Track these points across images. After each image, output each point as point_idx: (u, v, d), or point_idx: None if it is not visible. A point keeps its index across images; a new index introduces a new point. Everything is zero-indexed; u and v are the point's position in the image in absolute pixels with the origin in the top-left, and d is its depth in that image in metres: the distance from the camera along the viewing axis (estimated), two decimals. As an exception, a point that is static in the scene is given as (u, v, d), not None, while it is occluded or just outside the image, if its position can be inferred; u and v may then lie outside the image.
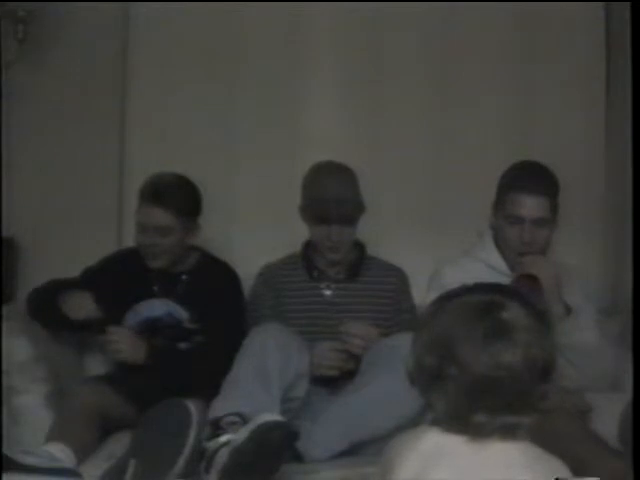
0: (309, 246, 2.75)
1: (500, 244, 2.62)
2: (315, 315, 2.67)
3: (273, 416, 2.04)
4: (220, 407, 2.18)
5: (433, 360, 1.26)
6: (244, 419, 2.08)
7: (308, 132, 3.09)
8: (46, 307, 2.59)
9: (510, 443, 1.24)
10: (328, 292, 2.72)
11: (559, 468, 1.27)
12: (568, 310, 2.48)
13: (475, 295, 1.29)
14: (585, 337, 2.45)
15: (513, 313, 1.25)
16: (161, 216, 2.58)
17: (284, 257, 2.81)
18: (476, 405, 1.23)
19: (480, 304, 1.27)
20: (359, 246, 2.75)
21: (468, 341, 1.23)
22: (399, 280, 2.77)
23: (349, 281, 2.72)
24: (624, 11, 2.58)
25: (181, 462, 2.04)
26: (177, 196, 2.60)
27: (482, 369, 1.21)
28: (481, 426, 1.23)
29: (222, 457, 2.02)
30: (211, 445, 2.06)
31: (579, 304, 2.52)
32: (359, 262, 2.74)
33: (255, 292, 2.76)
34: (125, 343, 2.52)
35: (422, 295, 2.70)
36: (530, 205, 2.51)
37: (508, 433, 1.24)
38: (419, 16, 3.08)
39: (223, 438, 2.06)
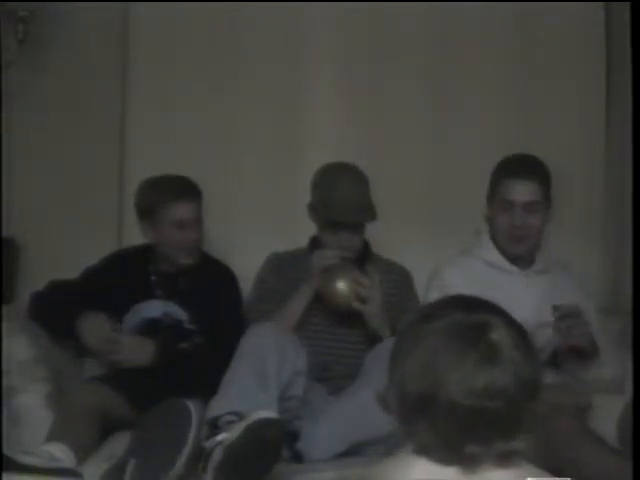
0: (316, 242, 2.75)
1: (495, 235, 2.62)
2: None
3: (267, 413, 2.04)
4: (218, 406, 2.18)
5: (419, 388, 1.15)
6: (241, 418, 2.08)
7: (308, 132, 3.08)
8: (49, 313, 2.59)
9: (504, 469, 1.16)
10: None
11: None
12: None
13: (457, 314, 1.19)
14: None
15: (500, 333, 1.17)
16: (197, 209, 2.67)
17: (292, 250, 2.81)
18: (468, 435, 1.14)
19: (467, 326, 1.18)
20: (364, 244, 2.75)
21: (459, 369, 1.14)
22: (403, 278, 2.77)
23: None
24: (624, 11, 2.58)
25: (180, 462, 2.03)
26: (198, 188, 2.68)
27: (475, 398, 1.13)
28: (475, 457, 1.15)
29: (217, 455, 2.02)
30: (208, 444, 2.06)
31: (579, 305, 2.52)
32: (364, 259, 2.73)
33: (261, 276, 2.76)
34: (129, 350, 2.52)
35: (422, 295, 2.71)
36: (520, 189, 2.53)
37: (503, 460, 1.16)
38: (419, 16, 3.08)
39: (220, 437, 2.05)
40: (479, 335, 1.17)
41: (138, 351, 2.53)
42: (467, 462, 1.16)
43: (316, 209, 2.68)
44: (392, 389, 1.20)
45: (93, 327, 2.52)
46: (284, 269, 2.73)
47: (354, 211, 2.61)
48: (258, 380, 2.22)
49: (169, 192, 2.63)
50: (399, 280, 2.75)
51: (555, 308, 2.42)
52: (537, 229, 2.59)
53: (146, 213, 2.65)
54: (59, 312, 2.56)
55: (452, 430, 1.15)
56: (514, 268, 2.62)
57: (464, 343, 1.16)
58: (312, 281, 2.60)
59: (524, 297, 2.51)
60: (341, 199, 2.60)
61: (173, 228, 2.63)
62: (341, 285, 2.56)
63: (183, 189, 2.65)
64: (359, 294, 2.56)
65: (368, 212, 2.64)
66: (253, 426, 2.01)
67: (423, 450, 1.18)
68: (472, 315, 1.19)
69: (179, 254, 2.66)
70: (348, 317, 2.62)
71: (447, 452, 1.16)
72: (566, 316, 2.40)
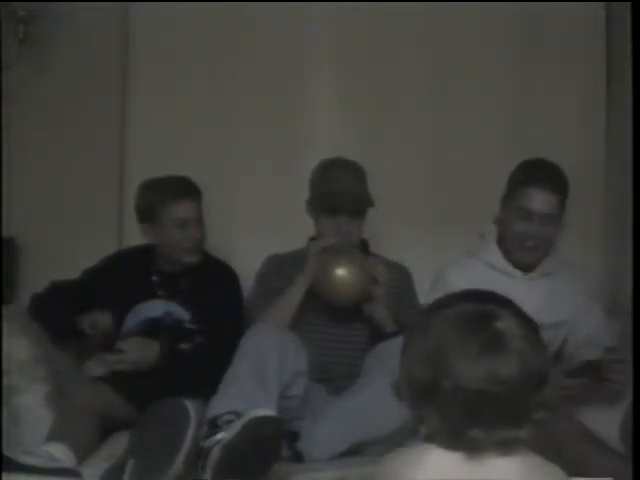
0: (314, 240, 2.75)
1: (504, 240, 2.61)
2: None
3: (264, 411, 2.04)
4: (217, 406, 2.18)
5: (426, 374, 1.20)
6: (240, 417, 2.08)
7: (308, 132, 3.08)
8: (50, 314, 2.59)
9: (508, 457, 1.19)
10: None
11: (559, 477, 1.25)
12: None
13: (466, 304, 1.24)
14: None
15: (507, 323, 1.20)
16: (197, 208, 2.66)
17: (291, 251, 2.80)
18: (472, 420, 1.18)
19: (474, 315, 1.22)
20: (363, 243, 2.75)
21: (464, 354, 1.18)
22: (403, 277, 2.77)
23: None
24: (624, 11, 2.59)
25: (179, 462, 2.03)
26: (198, 187, 2.69)
27: (479, 383, 1.17)
28: (478, 442, 1.18)
29: (215, 453, 2.02)
30: (207, 443, 2.07)
31: (585, 306, 2.53)
32: None
33: (262, 273, 2.76)
34: (134, 352, 2.53)
35: (424, 296, 2.70)
36: (542, 200, 2.52)
37: (506, 447, 1.19)
38: (419, 16, 3.08)
39: (219, 436, 2.06)
40: (485, 324, 1.21)
41: (143, 352, 2.52)
42: (470, 447, 1.19)
43: (314, 202, 2.69)
44: (403, 375, 1.25)
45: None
46: (284, 268, 2.72)
47: (349, 197, 2.62)
48: (258, 380, 2.21)
49: (169, 192, 2.63)
50: (399, 279, 2.75)
51: (608, 350, 2.38)
52: (551, 239, 2.59)
53: (147, 214, 2.65)
54: (60, 312, 2.56)
55: (457, 414, 1.18)
56: (517, 272, 2.61)
57: (470, 331, 1.20)
58: (308, 269, 2.60)
59: (527, 300, 2.48)
60: (338, 188, 2.62)
61: (174, 228, 2.63)
62: (341, 271, 2.53)
63: (183, 189, 2.65)
64: (368, 275, 2.55)
65: (365, 198, 2.65)
66: (250, 424, 2.01)
67: (431, 436, 1.22)
68: (481, 305, 1.23)
69: (181, 254, 2.66)
70: (348, 314, 2.61)
71: (452, 437, 1.20)
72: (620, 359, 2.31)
